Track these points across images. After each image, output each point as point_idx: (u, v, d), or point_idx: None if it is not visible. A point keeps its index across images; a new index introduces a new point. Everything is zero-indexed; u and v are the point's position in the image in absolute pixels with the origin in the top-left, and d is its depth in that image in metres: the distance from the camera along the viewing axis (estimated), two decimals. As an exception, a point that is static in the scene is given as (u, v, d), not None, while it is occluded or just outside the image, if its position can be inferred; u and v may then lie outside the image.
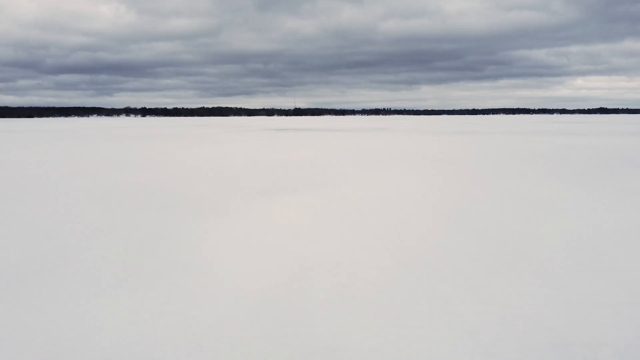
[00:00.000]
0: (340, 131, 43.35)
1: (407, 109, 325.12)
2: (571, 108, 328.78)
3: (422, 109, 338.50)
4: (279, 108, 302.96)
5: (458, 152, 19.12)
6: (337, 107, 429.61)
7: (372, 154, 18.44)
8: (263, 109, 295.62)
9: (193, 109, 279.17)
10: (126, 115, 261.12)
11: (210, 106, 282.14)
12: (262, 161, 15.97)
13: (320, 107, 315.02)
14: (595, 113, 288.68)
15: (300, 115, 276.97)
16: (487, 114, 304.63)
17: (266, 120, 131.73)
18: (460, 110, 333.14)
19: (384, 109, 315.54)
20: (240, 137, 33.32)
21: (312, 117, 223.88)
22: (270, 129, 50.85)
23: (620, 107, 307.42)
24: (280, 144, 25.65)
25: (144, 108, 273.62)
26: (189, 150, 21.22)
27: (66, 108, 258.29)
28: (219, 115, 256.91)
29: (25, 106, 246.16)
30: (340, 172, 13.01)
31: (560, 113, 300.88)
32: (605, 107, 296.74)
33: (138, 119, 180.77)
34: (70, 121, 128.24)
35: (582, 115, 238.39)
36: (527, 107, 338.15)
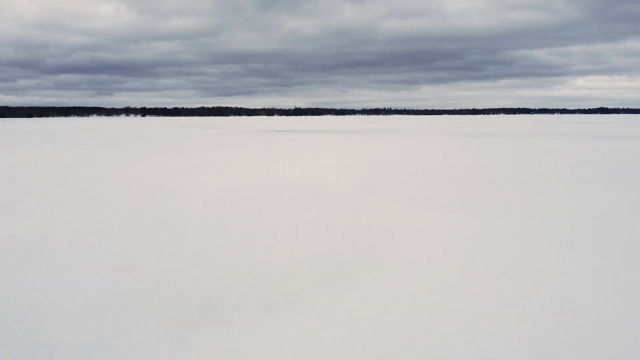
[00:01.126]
0: (347, 133, 37.81)
1: (407, 108, 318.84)
2: (571, 108, 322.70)
3: (422, 108, 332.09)
4: (279, 108, 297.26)
5: (528, 165, 13.60)
6: (337, 107, 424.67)
7: (411, 172, 12.85)
8: (263, 109, 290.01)
9: (193, 108, 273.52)
10: (126, 115, 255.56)
11: (210, 106, 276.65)
12: (243, 192, 10.42)
13: (320, 107, 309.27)
14: (595, 113, 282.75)
15: (301, 115, 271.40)
16: (487, 113, 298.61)
17: (266, 120, 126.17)
18: (461, 110, 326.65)
19: (384, 108, 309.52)
20: (232, 141, 27.81)
21: (312, 117, 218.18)
22: (269, 131, 45.33)
23: (620, 107, 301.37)
24: (276, 152, 20.12)
25: (144, 108, 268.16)
26: (154, 166, 15.71)
27: (66, 108, 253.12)
28: (219, 115, 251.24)
29: (25, 106, 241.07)
30: (380, 217, 7.44)
31: (561, 113, 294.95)
32: (605, 107, 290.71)
33: (137, 119, 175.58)
34: (64, 121, 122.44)
35: (583, 115, 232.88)
36: (527, 107, 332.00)
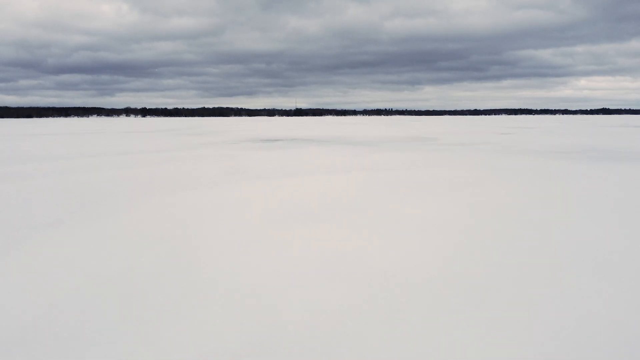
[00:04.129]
0: (369, 147, 25.10)
1: (408, 109, 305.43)
2: (573, 109, 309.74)
3: (423, 109, 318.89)
4: (280, 108, 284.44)
5: None
6: (339, 107, 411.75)
7: None
8: (264, 109, 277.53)
9: (194, 109, 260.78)
10: (126, 115, 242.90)
11: (211, 106, 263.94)
12: None
13: (321, 108, 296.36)
14: (597, 114, 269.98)
15: (301, 115, 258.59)
16: (488, 114, 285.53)
17: (264, 122, 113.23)
18: (462, 110, 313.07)
19: (385, 109, 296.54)
20: (197, 170, 15.30)
21: (313, 117, 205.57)
22: (262, 140, 32.71)
23: (622, 108, 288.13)
24: (250, 209, 7.49)
25: (144, 108, 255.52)
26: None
27: (66, 108, 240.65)
28: (219, 116, 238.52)
29: (26, 106, 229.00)
30: None
31: (563, 114, 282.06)
32: (607, 107, 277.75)
33: (136, 120, 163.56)
34: (57, 122, 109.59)
35: (585, 115, 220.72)
36: (528, 107, 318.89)
